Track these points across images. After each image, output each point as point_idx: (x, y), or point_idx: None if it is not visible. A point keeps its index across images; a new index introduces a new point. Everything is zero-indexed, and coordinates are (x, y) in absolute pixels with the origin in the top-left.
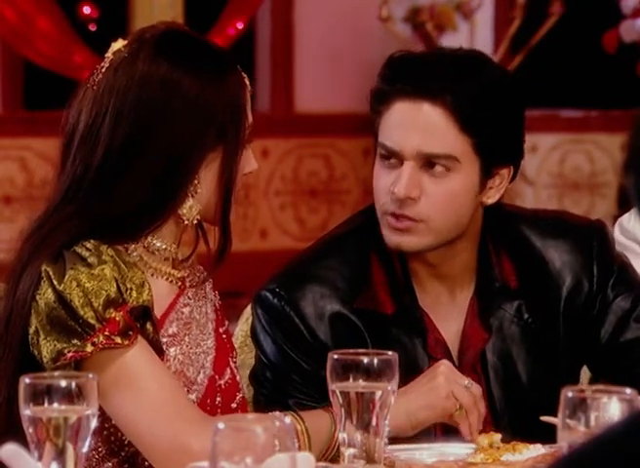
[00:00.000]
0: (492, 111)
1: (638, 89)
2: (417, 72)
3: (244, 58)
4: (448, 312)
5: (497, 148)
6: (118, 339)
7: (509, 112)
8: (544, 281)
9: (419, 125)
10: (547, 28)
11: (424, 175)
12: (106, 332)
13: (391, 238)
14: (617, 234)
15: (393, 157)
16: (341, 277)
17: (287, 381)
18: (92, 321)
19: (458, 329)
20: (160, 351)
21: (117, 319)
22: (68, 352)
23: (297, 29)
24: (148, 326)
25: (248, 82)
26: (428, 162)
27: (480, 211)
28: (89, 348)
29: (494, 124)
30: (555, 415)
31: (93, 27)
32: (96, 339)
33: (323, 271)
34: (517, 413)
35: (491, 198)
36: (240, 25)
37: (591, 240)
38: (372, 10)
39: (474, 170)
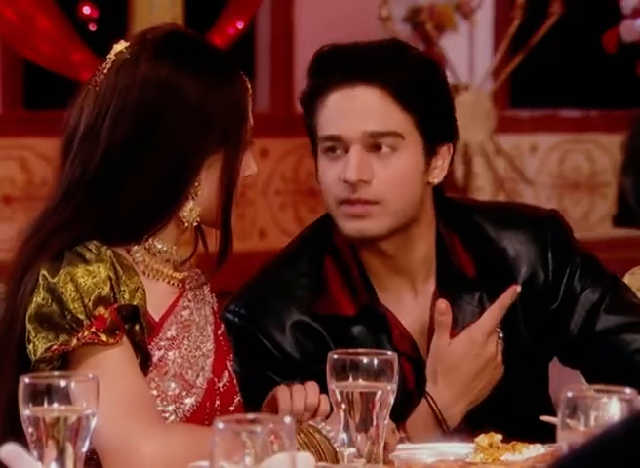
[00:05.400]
0: (425, 88)
1: (638, 89)
2: (346, 59)
3: (244, 58)
4: (411, 307)
5: (436, 125)
6: (104, 337)
7: (440, 90)
8: (501, 271)
9: (358, 108)
10: (547, 28)
11: (372, 157)
12: (93, 329)
13: (350, 225)
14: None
15: (338, 146)
16: (299, 286)
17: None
18: (80, 316)
19: (423, 323)
20: (146, 355)
21: (105, 316)
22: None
23: (297, 29)
24: (136, 328)
25: (249, 85)
26: (374, 144)
27: (430, 194)
28: (74, 342)
29: (429, 100)
30: (529, 405)
31: (93, 27)
32: (81, 335)
33: (281, 284)
34: (489, 404)
35: (436, 178)
36: (240, 25)
37: (546, 230)
38: (372, 10)
39: (418, 148)
